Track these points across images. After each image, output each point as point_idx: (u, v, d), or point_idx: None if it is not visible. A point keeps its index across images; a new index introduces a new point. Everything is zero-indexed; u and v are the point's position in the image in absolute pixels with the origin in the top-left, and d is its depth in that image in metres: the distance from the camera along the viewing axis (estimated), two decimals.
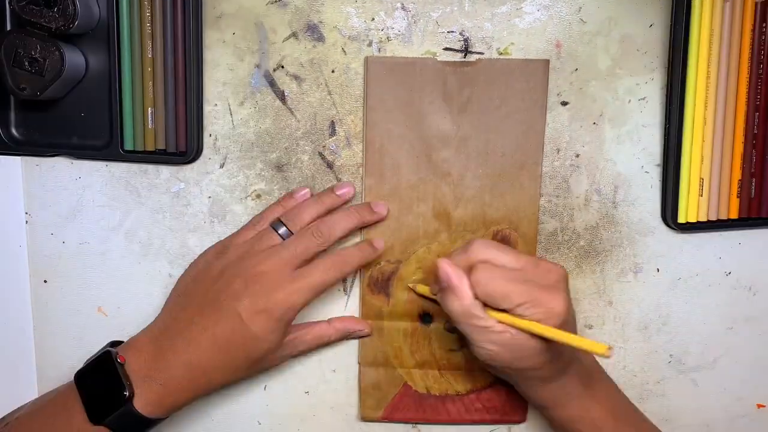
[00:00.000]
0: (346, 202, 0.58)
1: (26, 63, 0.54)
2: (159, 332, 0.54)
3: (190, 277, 0.57)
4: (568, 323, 0.50)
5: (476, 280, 0.50)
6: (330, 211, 0.57)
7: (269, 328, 0.53)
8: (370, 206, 0.58)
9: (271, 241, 0.55)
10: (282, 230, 0.55)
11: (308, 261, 0.55)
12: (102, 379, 0.52)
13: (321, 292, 0.54)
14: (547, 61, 0.57)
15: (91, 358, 0.55)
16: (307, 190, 0.58)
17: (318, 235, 0.55)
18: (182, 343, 0.53)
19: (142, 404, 0.52)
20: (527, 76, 0.57)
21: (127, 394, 0.51)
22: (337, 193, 0.57)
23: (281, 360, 0.57)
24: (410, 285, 0.59)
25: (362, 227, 0.58)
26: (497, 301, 0.50)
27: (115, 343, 0.56)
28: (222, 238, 0.59)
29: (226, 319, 0.53)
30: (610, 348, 0.45)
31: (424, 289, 0.58)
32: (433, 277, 0.57)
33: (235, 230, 0.59)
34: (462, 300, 0.50)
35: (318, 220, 0.56)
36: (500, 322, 0.50)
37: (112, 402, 0.51)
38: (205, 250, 0.58)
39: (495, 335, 0.50)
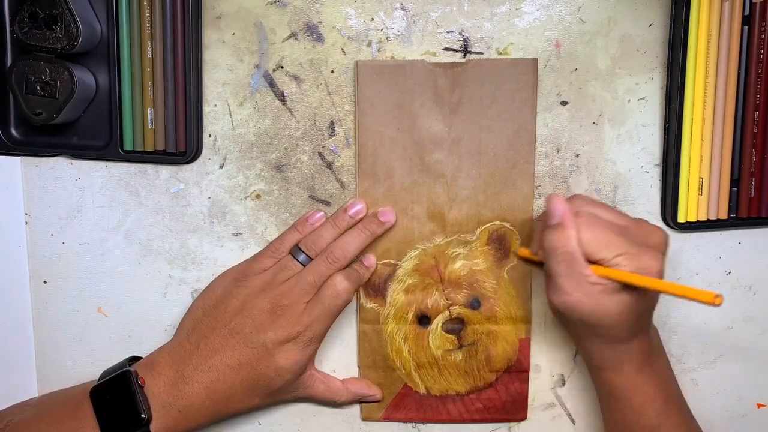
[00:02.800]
0: (360, 221, 0.58)
1: (38, 88, 0.55)
2: (179, 358, 0.55)
3: (210, 304, 0.57)
4: None
5: (579, 225, 0.50)
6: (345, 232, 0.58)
7: (294, 359, 0.55)
8: (377, 217, 0.58)
9: (292, 271, 0.56)
10: (302, 257, 0.56)
11: None
12: (120, 399, 0.53)
13: (338, 314, 0.56)
14: (535, 60, 0.57)
15: (107, 372, 0.55)
16: (322, 213, 0.58)
17: (333, 261, 0.56)
18: (204, 372, 0.54)
19: (158, 428, 0.52)
20: (516, 76, 0.57)
21: (145, 417, 0.52)
22: (350, 213, 0.57)
23: (292, 398, 0.59)
24: (517, 251, 0.58)
25: (374, 239, 0.58)
26: (598, 248, 0.49)
27: (132, 359, 0.57)
28: (240, 262, 0.59)
29: (251, 350, 0.54)
30: (718, 296, 0.44)
31: (525, 251, 0.57)
32: (537, 233, 0.55)
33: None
34: (569, 240, 0.49)
35: (332, 244, 0.56)
36: (597, 273, 0.49)
37: (129, 424, 0.52)
38: (223, 274, 0.58)
39: (588, 285, 0.49)
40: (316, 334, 0.55)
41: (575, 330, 0.55)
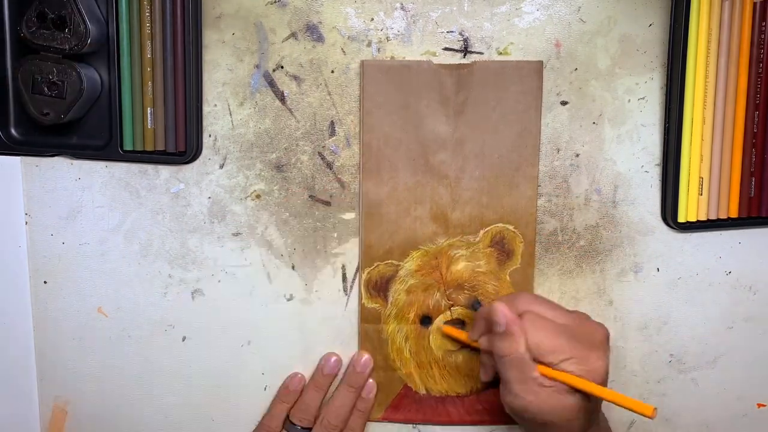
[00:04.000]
0: (337, 374, 0.60)
1: (45, 88, 0.55)
2: None
3: None
4: (605, 384, 0.51)
5: (526, 327, 0.50)
6: (328, 390, 0.60)
7: None
8: (355, 368, 0.60)
9: None
10: (298, 430, 0.59)
11: None
12: None
13: None
14: (541, 63, 0.57)
15: None
16: (300, 375, 0.60)
17: (332, 429, 0.59)
18: None
19: None
20: (521, 78, 0.57)
21: None
22: (325, 373, 0.60)
23: None
24: (443, 327, 0.59)
25: (360, 391, 0.60)
26: (544, 353, 0.50)
27: None
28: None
29: None
30: (655, 409, 0.47)
31: (458, 333, 0.58)
32: (478, 321, 0.56)
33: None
34: (518, 346, 0.50)
35: (324, 411, 0.59)
36: (546, 375, 0.50)
37: None
38: None
39: (538, 387, 0.50)
40: None
41: (529, 428, 0.55)
